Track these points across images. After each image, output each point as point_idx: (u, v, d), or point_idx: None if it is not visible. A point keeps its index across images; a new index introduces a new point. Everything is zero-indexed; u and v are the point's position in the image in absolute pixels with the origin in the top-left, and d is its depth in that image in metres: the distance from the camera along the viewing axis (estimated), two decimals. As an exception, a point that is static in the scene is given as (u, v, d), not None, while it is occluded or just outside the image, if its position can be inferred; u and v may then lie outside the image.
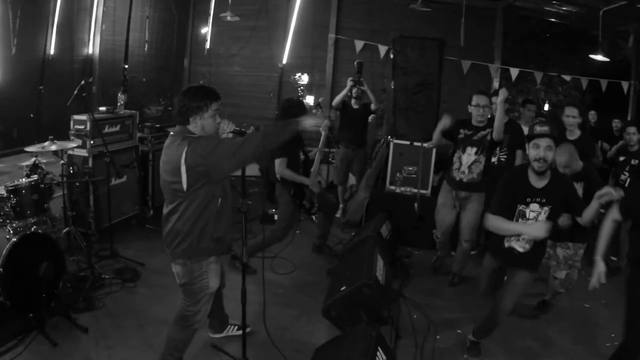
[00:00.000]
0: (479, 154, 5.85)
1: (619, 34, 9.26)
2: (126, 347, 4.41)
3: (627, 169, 6.36)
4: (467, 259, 6.25)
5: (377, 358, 3.46)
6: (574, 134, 6.00)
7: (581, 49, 9.46)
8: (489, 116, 5.88)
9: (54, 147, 5.29)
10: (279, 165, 5.81)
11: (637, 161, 6.26)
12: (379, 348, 3.57)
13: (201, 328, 4.18)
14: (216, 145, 3.39)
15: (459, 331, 5.09)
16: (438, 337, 4.98)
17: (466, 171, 5.90)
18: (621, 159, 6.54)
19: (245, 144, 3.37)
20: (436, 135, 6.00)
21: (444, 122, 5.84)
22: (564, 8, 8.58)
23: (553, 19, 9.63)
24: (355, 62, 8.02)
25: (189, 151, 3.38)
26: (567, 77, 9.75)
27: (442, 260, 6.60)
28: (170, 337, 3.92)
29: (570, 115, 5.99)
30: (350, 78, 7.93)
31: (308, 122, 3.57)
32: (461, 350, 4.72)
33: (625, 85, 9.57)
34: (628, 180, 6.29)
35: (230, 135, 3.81)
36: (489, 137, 5.77)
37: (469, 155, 5.88)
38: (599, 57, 8.09)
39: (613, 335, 5.03)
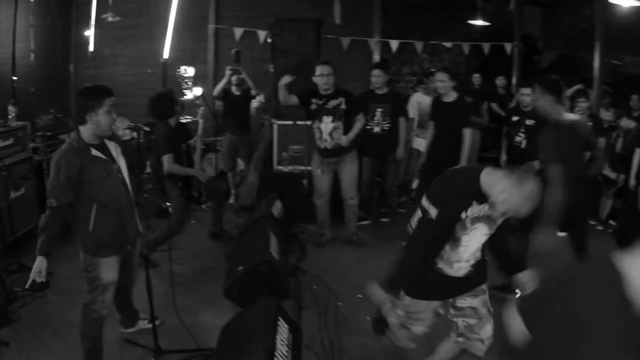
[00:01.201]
0: (335, 121, 6.37)
1: None
2: (47, 354, 4.61)
3: (522, 130, 6.39)
4: (356, 215, 6.83)
5: (278, 327, 3.78)
6: (450, 96, 6.59)
7: (463, 16, 9.90)
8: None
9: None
10: (167, 162, 5.97)
11: (532, 122, 6.22)
12: (279, 318, 3.89)
13: (114, 325, 4.61)
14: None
15: (359, 295, 5.40)
16: (340, 304, 5.38)
17: (328, 139, 6.43)
18: (514, 119, 6.63)
19: (53, 195, 3.81)
20: (281, 90, 6.49)
21: (285, 79, 6.40)
22: None
23: None
24: (233, 51, 8.32)
25: None
26: (449, 44, 10.29)
27: (325, 231, 7.04)
28: (80, 328, 4.19)
29: (440, 80, 6.60)
30: (228, 67, 8.25)
31: None
32: (364, 314, 5.01)
33: (508, 47, 10.20)
34: (524, 142, 6.34)
35: (127, 131, 4.13)
36: (342, 107, 6.34)
37: (326, 124, 6.43)
38: (479, 22, 8.57)
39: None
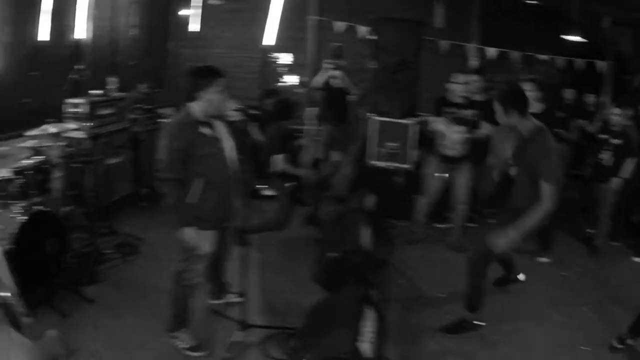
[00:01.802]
0: (466, 132, 6.27)
1: (595, 15, 9.52)
2: (132, 315, 4.72)
3: (608, 148, 6.45)
4: (464, 219, 6.73)
5: (365, 314, 3.71)
6: (535, 107, 6.23)
7: (558, 29, 9.58)
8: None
9: (54, 130, 5.51)
10: (280, 161, 6.18)
11: (619, 141, 6.38)
12: (367, 305, 3.82)
13: (203, 295, 4.63)
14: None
15: (442, 295, 5.43)
16: (423, 300, 5.32)
17: (458, 148, 6.36)
18: (602, 137, 6.63)
19: (167, 175, 3.91)
20: None
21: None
22: None
23: (530, 0, 9.81)
24: (334, 46, 8.28)
25: None
26: (544, 57, 9.99)
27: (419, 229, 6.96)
28: (170, 293, 4.25)
29: (526, 90, 6.34)
30: (327, 60, 8.21)
31: None
32: (445, 312, 5.03)
33: (600, 65, 9.79)
34: (610, 160, 6.41)
35: (235, 113, 4.19)
36: (474, 118, 6.21)
37: (456, 134, 6.34)
38: (573, 38, 8.31)
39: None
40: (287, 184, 6.31)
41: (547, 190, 4.13)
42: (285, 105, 6.49)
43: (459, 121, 6.32)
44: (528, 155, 4.32)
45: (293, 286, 5.44)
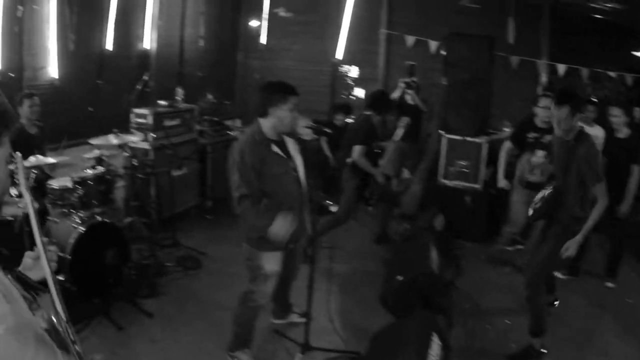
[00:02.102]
0: (548, 157, 5.84)
1: None
2: (191, 330, 4.54)
3: None
4: None
5: (432, 342, 3.52)
6: (622, 132, 5.92)
7: (627, 46, 9.07)
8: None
9: (117, 141, 5.46)
10: (357, 152, 6.04)
11: None
12: (434, 333, 3.62)
13: (266, 314, 4.43)
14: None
15: (507, 321, 5.07)
16: (488, 326, 4.98)
17: (538, 173, 5.92)
18: None
19: (243, 190, 3.70)
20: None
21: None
22: (609, 5, 8.36)
23: (599, 15, 9.37)
24: (407, 64, 8.07)
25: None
26: (612, 74, 9.48)
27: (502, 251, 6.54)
28: (235, 312, 4.09)
29: (615, 115, 5.91)
30: (401, 79, 8.03)
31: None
32: (511, 339, 4.72)
33: None
34: None
35: (307, 130, 3.98)
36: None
37: (538, 158, 5.90)
38: None
39: None
40: (356, 177, 6.20)
41: (601, 189, 4.09)
42: (381, 97, 6.38)
43: (541, 146, 5.91)
44: (577, 162, 4.20)
45: (359, 308, 5.18)
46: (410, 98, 8.05)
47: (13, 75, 5.06)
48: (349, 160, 6.13)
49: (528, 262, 4.77)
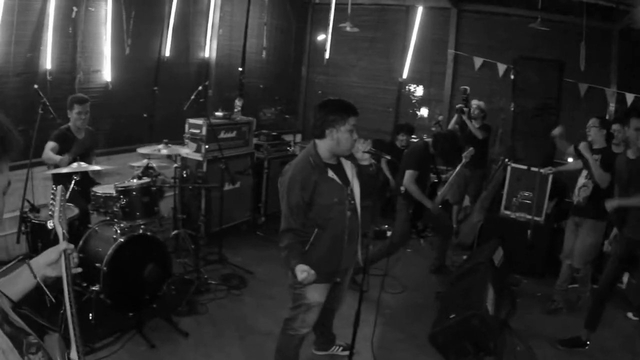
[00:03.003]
0: (588, 178, 5.35)
1: None
2: (225, 355, 4.28)
3: None
4: (588, 280, 5.82)
5: None
6: None
7: None
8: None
9: (167, 151, 5.30)
10: (409, 177, 5.76)
11: None
12: None
13: (307, 344, 4.10)
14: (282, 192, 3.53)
15: None
16: None
17: (577, 193, 5.53)
18: None
19: (285, 223, 3.48)
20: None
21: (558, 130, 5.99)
22: None
23: None
24: (461, 88, 7.77)
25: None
26: None
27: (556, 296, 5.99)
28: (277, 341, 3.88)
29: None
30: (457, 105, 7.80)
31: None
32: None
33: None
34: None
35: (366, 155, 3.66)
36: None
37: (581, 178, 5.53)
38: None
39: None
40: (409, 205, 5.89)
41: None
42: (446, 141, 5.98)
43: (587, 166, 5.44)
44: None
45: (407, 344, 4.78)
46: (474, 121, 7.69)
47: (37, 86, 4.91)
48: (403, 184, 5.81)
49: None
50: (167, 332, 4.44)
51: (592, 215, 5.35)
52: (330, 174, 3.51)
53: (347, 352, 3.97)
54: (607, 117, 7.72)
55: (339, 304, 4.19)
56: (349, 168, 3.70)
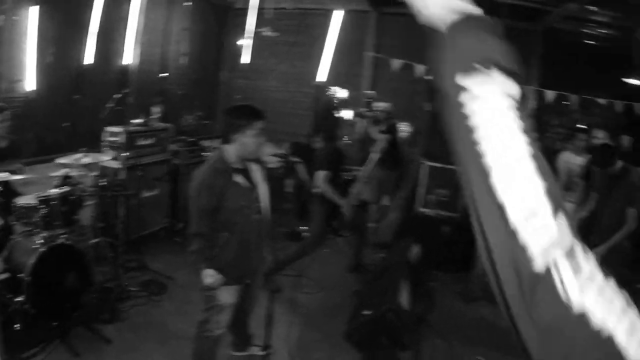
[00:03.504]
0: None
1: None
2: (149, 360, 4.42)
3: None
4: None
5: None
6: None
7: (617, 72, 9.14)
8: None
9: (86, 160, 5.36)
10: (321, 178, 5.84)
11: None
12: None
13: (224, 346, 4.30)
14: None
15: (479, 358, 4.98)
16: None
17: None
18: None
19: (193, 228, 3.66)
20: None
21: None
22: (601, 31, 8.44)
23: (590, 41, 9.47)
24: (366, 92, 8.09)
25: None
26: (602, 101, 9.52)
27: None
28: (193, 343, 4.04)
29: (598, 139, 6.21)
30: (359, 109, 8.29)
31: None
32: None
33: None
34: None
35: (273, 159, 3.88)
36: None
37: None
38: (634, 81, 7.90)
39: None
40: (324, 207, 6.03)
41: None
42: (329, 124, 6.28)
43: None
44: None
45: (323, 343, 5.06)
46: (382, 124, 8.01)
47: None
48: (316, 186, 5.98)
49: None
50: (90, 340, 4.54)
51: None
52: (238, 178, 3.71)
53: (264, 352, 4.14)
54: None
55: (252, 305, 4.41)
56: (255, 171, 3.91)
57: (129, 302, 5.30)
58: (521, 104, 0.83)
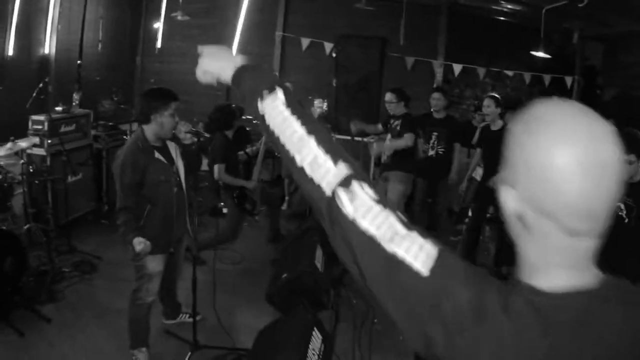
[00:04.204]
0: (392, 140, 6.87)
1: (563, 30, 9.57)
2: (87, 335, 4.78)
3: None
4: None
5: (312, 337, 3.85)
6: (496, 124, 6.66)
7: (526, 45, 9.74)
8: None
9: (16, 148, 5.59)
10: (218, 172, 6.09)
11: None
12: (314, 328, 3.95)
13: (157, 315, 4.74)
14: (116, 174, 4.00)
15: None
16: (376, 320, 5.23)
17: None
18: None
19: (121, 204, 3.99)
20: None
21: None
22: (509, 6, 8.90)
23: (498, 17, 9.93)
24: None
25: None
26: (510, 73, 10.17)
27: None
28: (128, 312, 4.38)
29: (486, 106, 6.71)
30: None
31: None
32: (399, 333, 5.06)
33: (569, 80, 9.87)
34: None
35: (188, 135, 4.31)
36: (398, 128, 6.78)
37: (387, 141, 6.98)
38: (541, 54, 8.51)
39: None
40: (233, 194, 6.32)
41: None
42: (219, 113, 6.37)
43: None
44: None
45: (248, 307, 5.51)
46: None
47: None
48: (215, 179, 6.19)
49: None
50: (32, 321, 4.83)
51: (397, 168, 6.71)
52: (157, 155, 4.12)
53: (192, 319, 4.57)
54: (435, 86, 8.86)
55: (178, 273, 4.84)
56: (173, 149, 4.33)
57: (64, 283, 5.59)
58: (292, 98, 1.35)
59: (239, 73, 1.53)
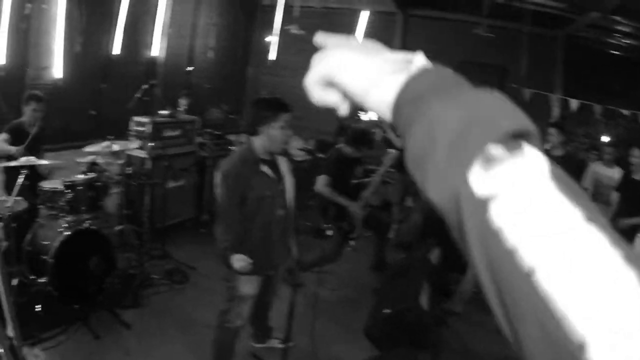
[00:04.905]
0: None
1: None
2: (166, 347, 4.46)
3: None
4: None
5: None
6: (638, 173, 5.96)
7: None
8: None
9: (114, 148, 5.42)
10: (320, 182, 5.75)
11: None
12: None
13: (245, 337, 4.34)
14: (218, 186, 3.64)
15: None
16: None
17: None
18: None
19: (220, 217, 3.68)
20: None
21: None
22: (626, 41, 8.32)
23: (615, 51, 9.33)
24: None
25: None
26: (626, 112, 9.36)
27: None
28: (214, 333, 4.02)
29: (636, 157, 5.92)
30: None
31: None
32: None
33: None
34: None
35: (300, 152, 3.88)
36: None
37: None
38: None
39: None
40: (335, 217, 5.96)
41: None
42: (356, 134, 6.06)
43: None
44: None
45: (344, 337, 5.04)
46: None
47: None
48: (315, 189, 5.87)
49: None
50: (111, 324, 4.58)
51: None
52: (263, 168, 3.70)
53: (284, 345, 4.16)
54: (551, 121, 8.17)
55: (273, 296, 4.41)
56: (283, 164, 3.91)
57: (151, 289, 5.34)
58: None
59: (414, 91, 0.62)
